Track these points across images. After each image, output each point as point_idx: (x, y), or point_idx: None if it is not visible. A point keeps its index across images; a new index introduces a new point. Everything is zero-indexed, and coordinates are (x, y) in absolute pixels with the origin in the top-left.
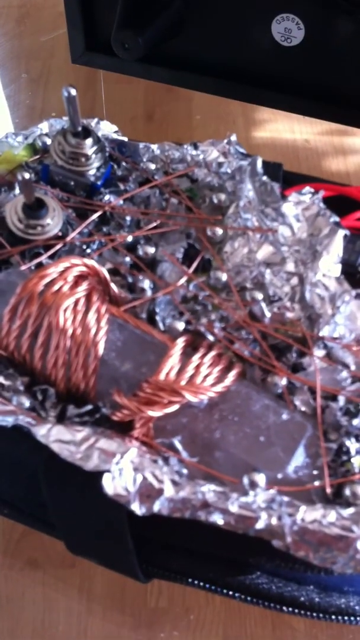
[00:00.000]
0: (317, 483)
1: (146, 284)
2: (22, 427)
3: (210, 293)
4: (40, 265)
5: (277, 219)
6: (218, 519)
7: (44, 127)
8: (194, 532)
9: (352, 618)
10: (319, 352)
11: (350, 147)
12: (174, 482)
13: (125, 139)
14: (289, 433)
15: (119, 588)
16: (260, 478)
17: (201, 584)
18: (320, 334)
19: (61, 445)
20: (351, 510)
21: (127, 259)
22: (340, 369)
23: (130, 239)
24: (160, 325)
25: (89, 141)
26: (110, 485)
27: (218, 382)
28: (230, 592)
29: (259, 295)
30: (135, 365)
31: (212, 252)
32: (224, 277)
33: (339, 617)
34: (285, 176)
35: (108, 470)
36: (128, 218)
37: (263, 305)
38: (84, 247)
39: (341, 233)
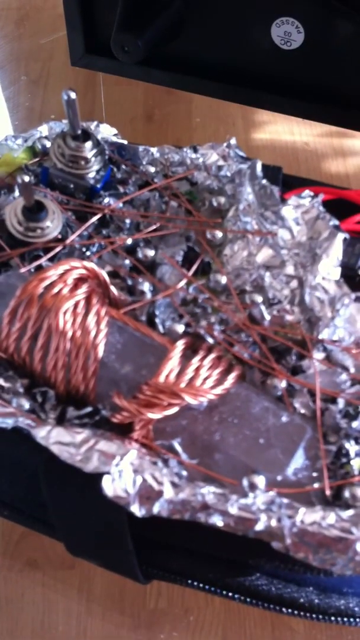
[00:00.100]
0: (316, 485)
1: (146, 286)
2: (22, 429)
3: (209, 296)
4: (40, 268)
5: (276, 222)
6: (218, 520)
7: (43, 129)
8: (194, 533)
9: (351, 619)
10: (318, 355)
11: (349, 149)
12: (174, 484)
13: (125, 141)
14: (289, 435)
15: (119, 589)
16: (260, 480)
17: (201, 585)
18: (320, 337)
19: (61, 447)
20: (350, 512)
21: (127, 261)
22: (340, 371)
23: (129, 241)
24: (160, 328)
25: (88, 144)
26: (110, 487)
27: (218, 385)
28: (230, 593)
29: (259, 298)
30: (135, 367)
31: (212, 254)
32: (223, 279)
33: (339, 619)
34: (284, 179)
35: (108, 472)
36: (128, 221)
37: (263, 308)
38: (84, 249)
39: (340, 236)
